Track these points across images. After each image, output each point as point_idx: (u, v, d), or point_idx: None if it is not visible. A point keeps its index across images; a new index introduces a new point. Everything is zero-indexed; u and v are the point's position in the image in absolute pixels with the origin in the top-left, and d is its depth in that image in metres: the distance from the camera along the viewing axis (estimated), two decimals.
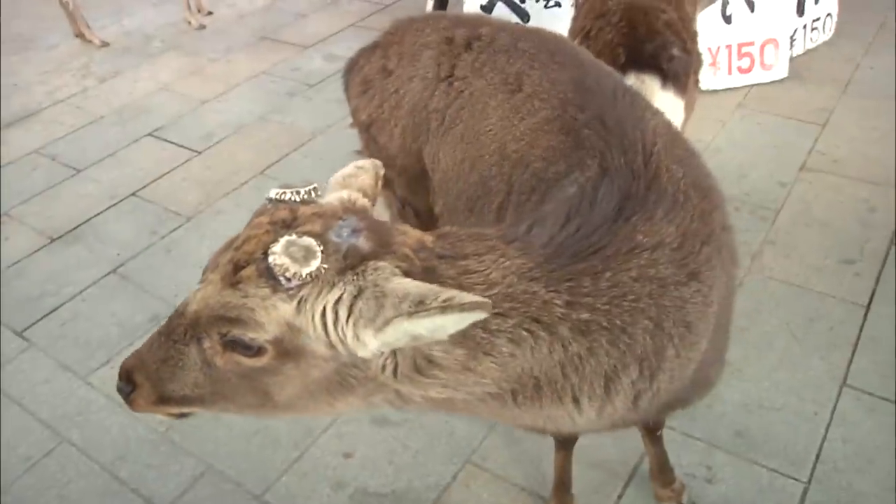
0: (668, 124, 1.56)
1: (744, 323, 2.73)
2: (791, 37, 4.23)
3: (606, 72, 1.71)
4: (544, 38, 1.82)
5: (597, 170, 1.38)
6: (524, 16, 3.97)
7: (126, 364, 1.22)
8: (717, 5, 3.89)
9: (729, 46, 4.05)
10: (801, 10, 4.27)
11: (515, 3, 3.98)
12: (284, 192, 1.20)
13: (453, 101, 1.76)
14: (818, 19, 4.45)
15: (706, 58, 3.88)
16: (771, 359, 2.63)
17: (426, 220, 1.90)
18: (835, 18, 4.54)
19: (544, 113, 1.56)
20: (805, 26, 4.37)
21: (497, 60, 1.73)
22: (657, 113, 1.57)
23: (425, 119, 1.83)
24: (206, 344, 1.14)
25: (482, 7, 4.03)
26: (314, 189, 1.22)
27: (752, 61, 4.09)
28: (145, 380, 1.20)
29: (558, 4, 3.92)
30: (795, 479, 2.27)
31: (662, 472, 2.19)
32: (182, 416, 1.27)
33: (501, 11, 3.99)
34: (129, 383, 1.21)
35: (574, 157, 1.44)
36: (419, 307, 1.02)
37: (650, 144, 1.41)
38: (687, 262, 1.33)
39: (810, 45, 4.43)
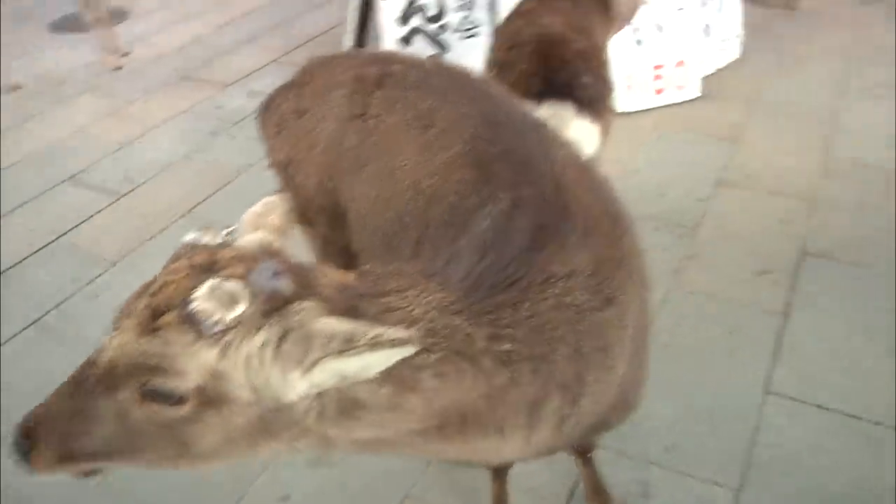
0: (577, 154, 1.61)
1: (668, 338, 2.79)
2: (701, 57, 4.38)
3: (516, 105, 1.75)
4: (455, 74, 1.85)
5: (509, 202, 1.41)
6: (443, 47, 4.03)
7: (27, 419, 1.16)
8: (629, 29, 4.01)
9: (642, 69, 4.18)
10: (707, 32, 4.44)
11: (433, 35, 4.03)
12: (201, 237, 1.19)
13: (366, 139, 1.78)
14: (725, 40, 4.62)
15: (621, 81, 3.99)
16: (697, 371, 2.70)
17: (349, 258, 1.91)
18: (741, 39, 4.72)
19: (456, 148, 1.58)
20: (713, 47, 4.54)
21: (409, 97, 1.75)
22: (566, 143, 1.62)
23: (340, 158, 1.84)
24: (122, 394, 1.10)
25: (401, 39, 4.07)
26: (231, 232, 1.22)
27: (665, 82, 4.23)
28: (49, 435, 1.14)
29: (475, 35, 3.99)
30: (727, 488, 2.33)
31: (597, 492, 2.22)
32: (90, 473, 1.22)
33: (420, 43, 4.04)
34: (27, 440, 1.14)
35: (487, 191, 1.47)
36: (348, 345, 1.02)
37: (560, 174, 1.45)
38: (601, 287, 1.37)
39: (720, 65, 4.60)
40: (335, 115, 1.86)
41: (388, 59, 1.97)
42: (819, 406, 2.55)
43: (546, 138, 1.57)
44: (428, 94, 1.73)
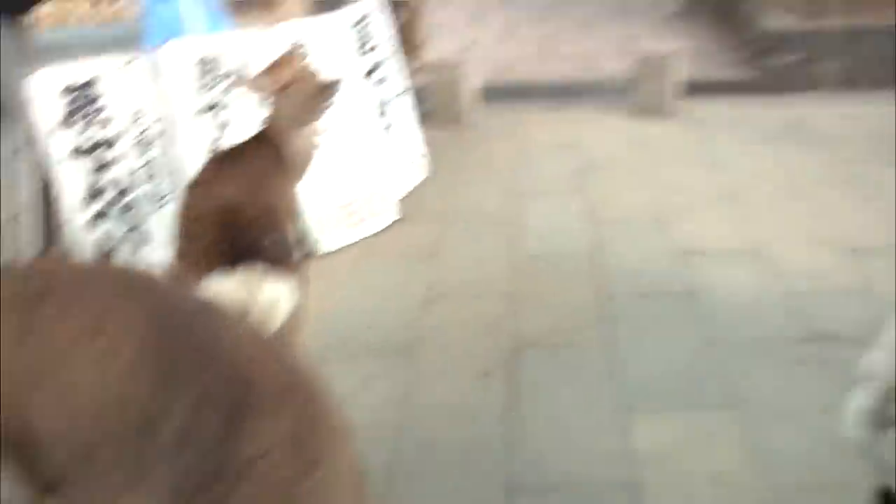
0: (256, 328, 1.64)
1: (414, 459, 2.86)
2: (392, 183, 4.68)
3: (185, 293, 1.76)
4: (120, 275, 1.83)
5: (193, 396, 1.41)
6: (134, 222, 3.93)
7: None
8: (316, 172, 4.20)
9: (337, 206, 4.36)
10: (391, 156, 4.76)
11: (123, 211, 3.93)
12: None
13: (39, 358, 1.68)
14: (412, 162, 4.99)
15: (318, 223, 4.16)
16: (445, 485, 2.76)
17: (48, 486, 1.76)
18: (426, 158, 5.12)
19: (131, 351, 1.55)
20: (402, 171, 4.87)
21: (75, 307, 1.69)
22: (243, 321, 1.65)
23: (16, 382, 1.72)
24: None
25: (90, 220, 3.91)
26: None
27: (362, 214, 4.44)
28: None
29: (165, 205, 3.94)
30: None
31: None
32: None
33: (110, 222, 3.90)
34: None
35: (170, 389, 1.45)
36: None
37: (238, 354, 1.48)
38: (303, 453, 1.39)
39: (411, 186, 4.94)
40: (2, 338, 1.75)
41: (50, 268, 1.89)
42: (559, 487, 2.72)
43: (220, 320, 1.60)
44: (94, 300, 1.69)
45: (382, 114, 4.79)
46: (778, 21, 7.05)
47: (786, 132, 5.61)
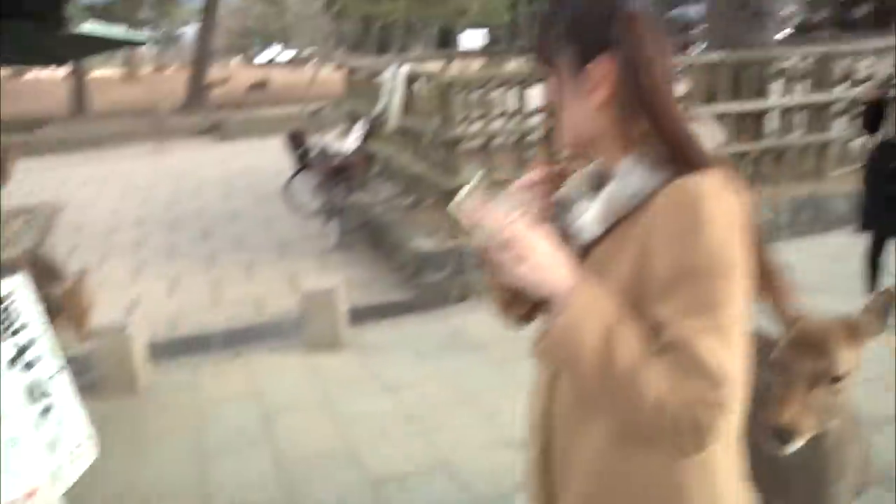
0: None
1: None
2: (56, 476, 4.24)
3: None
4: None
5: None
6: None
7: None
8: None
9: None
10: (54, 447, 4.35)
11: None
12: None
13: None
14: (78, 446, 4.58)
15: None
16: None
17: None
18: (93, 435, 4.74)
19: None
20: (66, 454, 4.45)
21: None
22: None
23: None
24: None
25: None
26: None
27: None
28: None
29: None
30: None
31: None
32: None
33: None
34: None
35: None
36: None
37: None
38: None
39: (79, 471, 4.50)
40: None
41: None
42: None
43: None
44: None
45: (36, 398, 4.41)
46: (424, 243, 7.86)
47: (447, 343, 6.14)
